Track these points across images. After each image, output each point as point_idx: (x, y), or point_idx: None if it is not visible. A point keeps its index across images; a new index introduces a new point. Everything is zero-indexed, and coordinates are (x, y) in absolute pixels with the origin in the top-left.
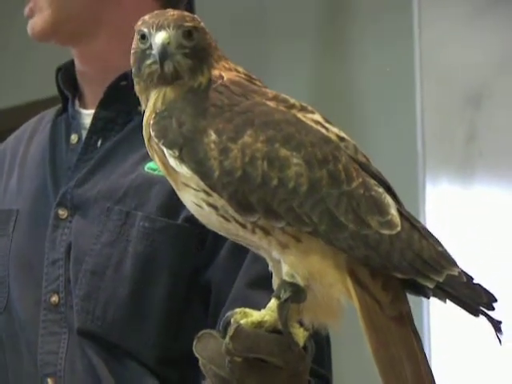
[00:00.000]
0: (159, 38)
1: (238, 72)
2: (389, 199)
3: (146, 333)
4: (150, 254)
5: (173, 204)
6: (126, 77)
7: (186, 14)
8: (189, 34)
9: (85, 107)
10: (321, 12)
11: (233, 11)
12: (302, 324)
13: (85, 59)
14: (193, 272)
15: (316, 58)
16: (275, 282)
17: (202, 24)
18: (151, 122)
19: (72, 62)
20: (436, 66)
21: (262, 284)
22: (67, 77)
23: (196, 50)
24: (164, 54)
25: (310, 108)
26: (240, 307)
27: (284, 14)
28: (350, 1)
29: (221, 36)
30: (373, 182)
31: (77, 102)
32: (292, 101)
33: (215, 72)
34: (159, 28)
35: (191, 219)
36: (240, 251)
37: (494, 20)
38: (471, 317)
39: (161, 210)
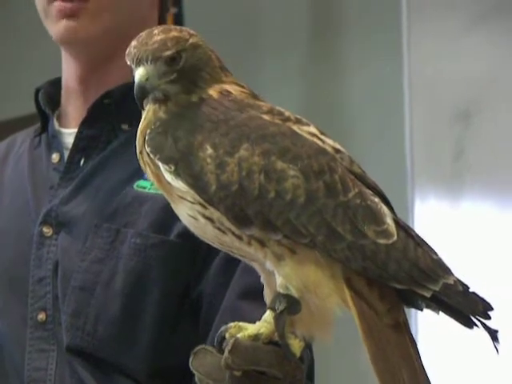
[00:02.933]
0: (137, 76)
1: (239, 86)
2: (385, 209)
3: (137, 348)
4: (141, 270)
5: (164, 220)
6: (110, 95)
7: (172, 35)
8: (172, 59)
9: (66, 126)
10: (310, 26)
11: (222, 25)
12: (296, 335)
13: (93, 74)
14: (184, 287)
15: (305, 72)
16: (267, 294)
17: (193, 39)
18: (146, 137)
19: (52, 82)
20: (424, 81)
21: (252, 295)
22: (47, 96)
23: (184, 71)
24: (141, 92)
25: (304, 120)
26: (231, 319)
27: (273, 29)
28: (340, 15)
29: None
30: (369, 191)
31: (56, 122)
32: (287, 113)
33: (213, 86)
34: (138, 63)
35: (183, 235)
36: (231, 264)
37: (483, 36)
38: (461, 329)
39: (153, 227)
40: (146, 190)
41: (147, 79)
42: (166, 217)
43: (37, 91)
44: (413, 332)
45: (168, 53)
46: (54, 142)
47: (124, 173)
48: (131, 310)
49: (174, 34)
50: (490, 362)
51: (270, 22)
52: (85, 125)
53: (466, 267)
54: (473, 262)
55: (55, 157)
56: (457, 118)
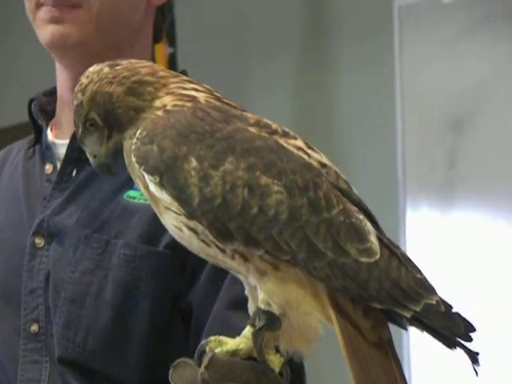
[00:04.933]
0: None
1: (206, 92)
2: (369, 226)
3: (128, 359)
4: (131, 281)
5: (154, 231)
6: None
7: (75, 104)
8: (91, 125)
9: (60, 137)
10: (301, 32)
11: (212, 30)
12: (278, 350)
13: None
14: (174, 297)
15: (296, 79)
16: (250, 308)
17: (85, 92)
18: (133, 146)
19: (46, 93)
20: (417, 90)
21: (241, 306)
22: (41, 107)
23: (110, 122)
24: (104, 171)
25: (292, 133)
26: (220, 329)
27: (265, 33)
28: (332, 22)
29: (201, 55)
30: (354, 208)
31: (50, 133)
32: (274, 126)
33: (166, 101)
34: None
35: (172, 246)
36: (220, 274)
37: (476, 45)
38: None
39: (142, 238)
40: (136, 201)
41: (95, 157)
42: (155, 227)
43: (30, 102)
44: (404, 348)
45: (80, 128)
46: (48, 153)
47: (115, 183)
48: (121, 321)
49: (75, 101)
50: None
51: (260, 28)
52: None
53: (456, 276)
54: (463, 271)
55: (48, 168)
56: (449, 127)
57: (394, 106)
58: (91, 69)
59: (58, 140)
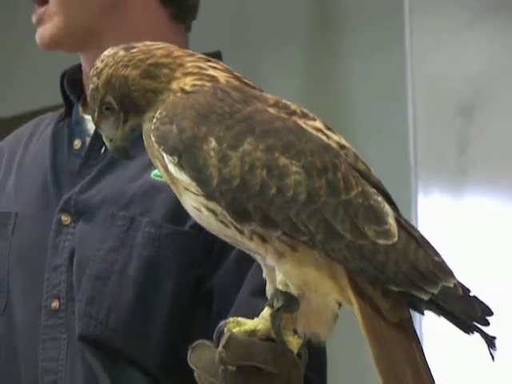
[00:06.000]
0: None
1: (225, 71)
2: (387, 208)
3: (149, 338)
4: (155, 260)
5: (179, 211)
6: None
7: (91, 88)
8: (107, 109)
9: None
10: (310, 22)
11: (221, 20)
12: (296, 332)
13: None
14: (198, 278)
15: (305, 67)
16: (268, 290)
17: (100, 76)
18: (152, 126)
19: (77, 67)
20: (427, 75)
21: (265, 293)
22: (72, 82)
23: (126, 106)
24: (120, 154)
25: (311, 115)
26: (244, 315)
27: (274, 23)
28: (341, 10)
29: (209, 46)
30: (372, 190)
31: (80, 108)
32: (293, 107)
33: (187, 81)
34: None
35: (198, 225)
36: (246, 260)
37: (486, 30)
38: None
39: (167, 217)
40: (163, 179)
41: (111, 141)
42: (181, 207)
43: (62, 76)
44: (418, 330)
45: (96, 112)
46: (77, 129)
47: (143, 161)
48: (144, 300)
49: (91, 85)
50: (496, 362)
51: (270, 17)
52: None
53: (469, 261)
54: (475, 256)
55: (77, 143)
56: (460, 111)
57: (405, 92)
58: (106, 52)
59: (88, 116)
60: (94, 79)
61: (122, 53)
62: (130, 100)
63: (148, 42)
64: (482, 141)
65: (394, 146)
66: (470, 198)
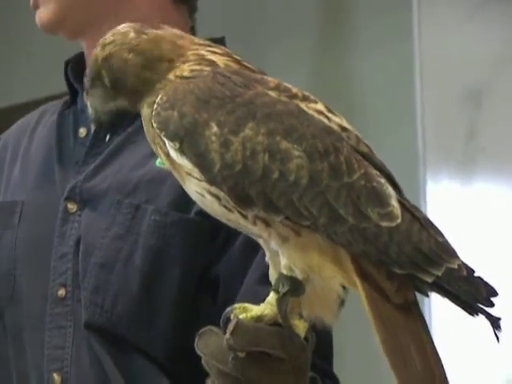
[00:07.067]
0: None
1: (224, 55)
2: (390, 190)
3: (155, 327)
4: (161, 248)
5: (185, 198)
6: None
7: (93, 56)
8: (96, 80)
9: None
10: (320, 10)
11: (230, 10)
12: (301, 316)
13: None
14: (204, 265)
15: (315, 55)
16: (272, 274)
17: (103, 50)
18: (153, 112)
19: (81, 55)
20: (436, 63)
21: None
22: (77, 70)
23: (117, 84)
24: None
25: (312, 97)
26: (249, 302)
27: (283, 11)
28: (350, 0)
29: (218, 35)
30: (375, 172)
31: (85, 96)
32: (294, 90)
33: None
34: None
35: (203, 212)
36: (252, 247)
37: (493, 17)
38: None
39: (172, 204)
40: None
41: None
42: (186, 194)
43: (67, 63)
44: (427, 314)
45: (90, 80)
46: (82, 117)
47: (148, 148)
48: (150, 288)
49: (94, 51)
50: (504, 345)
51: (280, 4)
52: None
53: (477, 248)
54: (484, 243)
55: (82, 131)
56: (469, 98)
57: (413, 79)
58: (120, 27)
59: None
60: (99, 49)
61: (132, 35)
62: (122, 83)
63: (160, 32)
64: (490, 128)
65: (402, 134)
66: (479, 184)
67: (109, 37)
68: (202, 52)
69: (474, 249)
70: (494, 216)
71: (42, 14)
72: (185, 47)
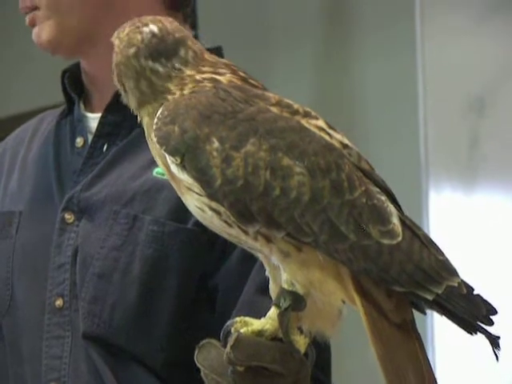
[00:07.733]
0: None
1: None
2: (391, 208)
3: (154, 337)
4: (158, 258)
5: (182, 208)
6: None
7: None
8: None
9: (91, 111)
10: (322, 20)
11: (234, 20)
12: (301, 331)
13: (93, 67)
14: (202, 275)
15: (318, 65)
16: (272, 289)
17: (118, 56)
18: (154, 126)
19: (77, 65)
20: (438, 72)
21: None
22: (73, 79)
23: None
24: None
25: (313, 113)
26: (248, 313)
27: (285, 23)
28: (352, 9)
29: (222, 40)
30: (376, 189)
31: (82, 106)
32: (296, 106)
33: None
34: None
35: (201, 223)
36: (250, 257)
37: (497, 26)
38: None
39: (170, 215)
40: (165, 177)
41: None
42: (184, 205)
43: (63, 73)
44: (429, 331)
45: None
46: (79, 126)
47: (145, 159)
48: (148, 298)
49: (113, 41)
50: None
51: (283, 13)
52: (109, 110)
53: (480, 257)
54: (486, 253)
55: (79, 141)
56: (471, 107)
57: (417, 87)
58: (144, 27)
59: (90, 113)
60: (117, 41)
61: (151, 39)
62: (124, 82)
63: (179, 34)
64: (492, 136)
65: (405, 142)
66: (482, 193)
67: (126, 30)
68: (203, 76)
69: (476, 258)
70: (496, 225)
71: (41, 35)
72: (193, 65)
